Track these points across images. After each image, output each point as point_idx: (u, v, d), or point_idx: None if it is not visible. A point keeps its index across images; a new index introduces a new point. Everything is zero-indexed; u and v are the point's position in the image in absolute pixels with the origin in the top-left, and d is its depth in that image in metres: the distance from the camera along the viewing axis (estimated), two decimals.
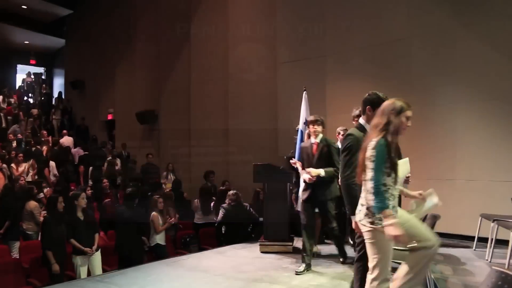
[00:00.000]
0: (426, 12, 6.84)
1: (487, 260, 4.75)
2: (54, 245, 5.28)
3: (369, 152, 2.62)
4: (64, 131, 13.16)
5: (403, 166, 3.13)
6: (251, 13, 9.77)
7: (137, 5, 13.08)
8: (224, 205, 6.70)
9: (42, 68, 19.63)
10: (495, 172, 6.03)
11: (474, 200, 6.03)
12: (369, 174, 2.61)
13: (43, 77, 19.01)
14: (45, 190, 8.31)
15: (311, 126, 4.71)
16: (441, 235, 6.07)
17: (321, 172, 4.53)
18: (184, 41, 11.32)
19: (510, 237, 4.13)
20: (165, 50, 12.00)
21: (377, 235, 2.60)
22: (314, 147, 4.68)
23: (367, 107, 3.13)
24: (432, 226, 3.72)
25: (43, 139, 11.47)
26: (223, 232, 6.64)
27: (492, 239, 4.67)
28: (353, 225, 2.98)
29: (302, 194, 4.82)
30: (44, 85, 17.71)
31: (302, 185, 4.87)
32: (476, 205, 5.70)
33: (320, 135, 4.68)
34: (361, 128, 3.14)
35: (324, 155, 4.61)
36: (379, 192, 2.55)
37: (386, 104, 2.74)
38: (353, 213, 2.91)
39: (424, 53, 6.85)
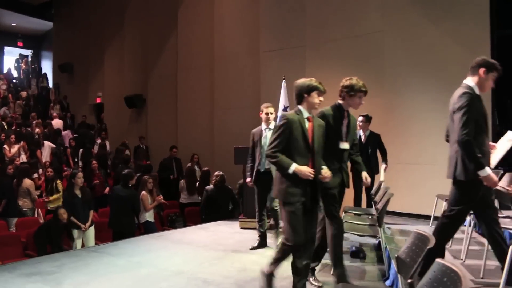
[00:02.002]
0: (399, 9, 7.39)
1: None
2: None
3: None
4: (54, 114, 13.44)
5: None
6: (236, 3, 10.13)
7: None
8: (208, 187, 7.18)
9: (30, 50, 19.68)
10: None
11: (437, 183, 6.54)
12: None
13: (29, 59, 19.05)
14: (40, 171, 8.69)
15: (265, 109, 4.18)
16: (407, 214, 6.75)
17: None
18: (171, 28, 11.63)
19: None
20: (152, 36, 12.28)
21: None
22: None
23: (483, 69, 3.10)
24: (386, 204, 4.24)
25: (34, 121, 11.75)
26: (206, 212, 7.16)
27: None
28: (485, 180, 2.93)
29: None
30: (41, 78, 17.71)
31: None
32: (438, 187, 6.22)
33: (273, 122, 4.16)
34: (471, 89, 3.12)
35: None
36: None
37: None
38: (480, 167, 2.93)
39: (396, 45, 7.39)
